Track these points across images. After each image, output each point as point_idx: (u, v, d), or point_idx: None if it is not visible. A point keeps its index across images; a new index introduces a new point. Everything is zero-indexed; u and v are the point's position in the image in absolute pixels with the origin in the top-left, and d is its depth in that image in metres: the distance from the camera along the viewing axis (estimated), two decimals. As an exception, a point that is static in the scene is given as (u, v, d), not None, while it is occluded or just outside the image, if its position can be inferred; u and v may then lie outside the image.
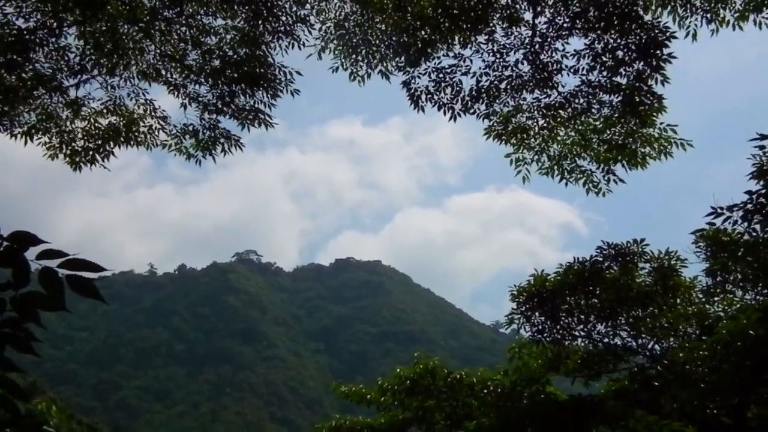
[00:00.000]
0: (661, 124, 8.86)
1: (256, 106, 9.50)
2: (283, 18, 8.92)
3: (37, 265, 1.99)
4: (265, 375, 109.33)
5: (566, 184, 9.70)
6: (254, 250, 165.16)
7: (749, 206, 7.93)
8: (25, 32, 8.53)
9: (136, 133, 10.01)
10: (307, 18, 9.05)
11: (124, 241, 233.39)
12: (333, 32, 9.10)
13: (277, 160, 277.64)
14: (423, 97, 9.05)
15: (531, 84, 9.02)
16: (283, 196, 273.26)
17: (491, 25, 8.69)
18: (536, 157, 9.72)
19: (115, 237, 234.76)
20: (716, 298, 11.62)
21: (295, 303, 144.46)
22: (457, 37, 8.74)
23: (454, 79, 8.92)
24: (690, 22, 8.26)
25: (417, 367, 13.76)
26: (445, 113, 9.13)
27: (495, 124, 9.50)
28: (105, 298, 2.10)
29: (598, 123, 9.21)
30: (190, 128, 9.88)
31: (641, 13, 8.13)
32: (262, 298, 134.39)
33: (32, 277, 2.02)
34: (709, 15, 8.14)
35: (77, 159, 9.86)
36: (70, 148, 9.84)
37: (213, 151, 9.98)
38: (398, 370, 14.04)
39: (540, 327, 12.12)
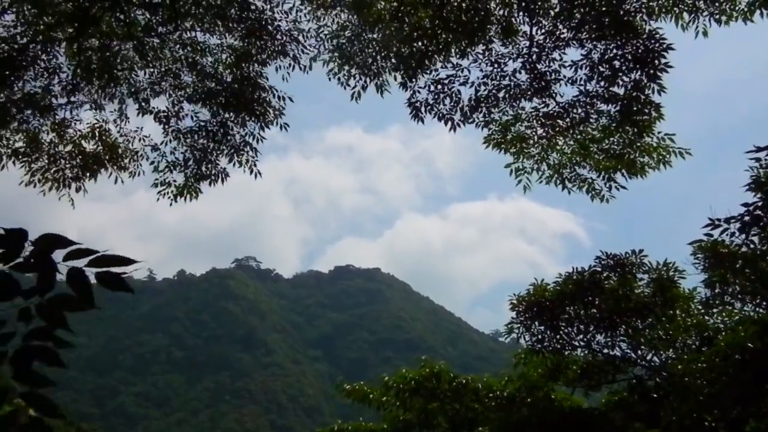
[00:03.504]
0: (659, 133, 8.91)
1: (246, 139, 9.44)
2: (278, 36, 8.93)
3: (60, 267, 1.93)
4: (264, 382, 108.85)
5: (569, 192, 9.72)
6: (253, 257, 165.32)
7: (746, 218, 7.96)
8: (16, 49, 8.46)
9: (120, 160, 9.90)
10: (303, 32, 9.05)
11: (121, 246, 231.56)
12: (329, 45, 9.13)
13: (278, 165, 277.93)
14: (423, 108, 9.10)
15: (529, 92, 9.07)
16: (282, 202, 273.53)
17: (488, 36, 8.75)
18: (536, 165, 9.75)
19: (113, 242, 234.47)
20: (715, 310, 11.61)
21: (294, 310, 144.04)
22: (454, 48, 8.78)
23: (452, 90, 8.97)
24: (697, 24, 8.32)
25: (423, 369, 13.74)
26: (445, 123, 9.18)
27: (494, 132, 9.54)
28: (102, 304, 2.04)
29: (596, 133, 9.24)
30: (180, 159, 9.75)
31: (643, 20, 8.17)
32: (261, 305, 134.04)
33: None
34: (716, 15, 8.19)
35: (57, 185, 9.74)
36: (50, 174, 9.69)
37: (198, 190, 9.80)
38: (403, 370, 13.99)
39: (539, 336, 12.10)
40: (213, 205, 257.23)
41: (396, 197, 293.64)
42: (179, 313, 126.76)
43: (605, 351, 12.33)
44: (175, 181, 9.82)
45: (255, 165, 9.60)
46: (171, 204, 9.62)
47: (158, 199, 9.67)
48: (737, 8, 8.20)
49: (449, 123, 9.07)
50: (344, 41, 9.04)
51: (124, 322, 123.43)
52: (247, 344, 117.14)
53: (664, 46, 8.05)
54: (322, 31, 9.16)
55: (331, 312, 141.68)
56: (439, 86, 8.87)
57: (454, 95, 8.97)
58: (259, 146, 9.56)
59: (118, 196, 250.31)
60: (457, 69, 8.88)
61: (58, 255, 1.92)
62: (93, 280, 2.05)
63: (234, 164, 9.58)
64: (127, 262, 1.95)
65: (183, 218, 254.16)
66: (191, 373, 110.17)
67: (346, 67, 9.06)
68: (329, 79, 9.05)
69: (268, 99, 9.24)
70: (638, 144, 9.03)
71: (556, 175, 9.72)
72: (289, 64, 9.16)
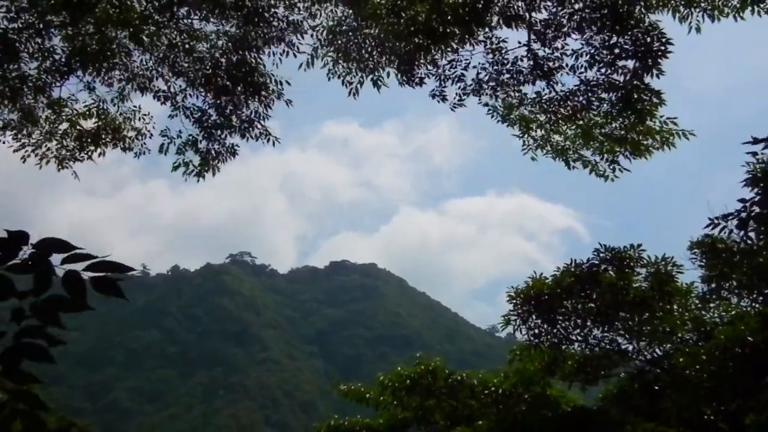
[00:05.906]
0: (661, 117, 8.93)
1: (252, 116, 9.51)
2: (275, 23, 8.92)
3: (59, 269, 1.94)
4: (259, 378, 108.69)
5: (570, 168, 9.85)
6: (248, 252, 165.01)
7: (743, 214, 7.91)
8: (11, 33, 8.42)
9: (120, 137, 9.96)
10: (300, 24, 9.04)
11: (115, 240, 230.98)
12: (325, 38, 9.12)
13: (274, 160, 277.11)
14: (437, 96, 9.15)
15: (531, 77, 9.09)
16: (278, 197, 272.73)
17: (489, 24, 8.69)
18: (541, 145, 9.88)
19: (106, 236, 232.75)
20: (712, 305, 11.59)
21: (289, 305, 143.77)
22: (452, 42, 8.73)
23: (455, 74, 9.02)
24: (692, 18, 8.33)
25: (418, 367, 13.69)
26: (453, 108, 9.24)
27: (499, 108, 9.61)
28: (94, 299, 2.05)
29: (599, 118, 9.29)
30: (190, 138, 9.89)
31: (641, 13, 8.15)
32: (256, 300, 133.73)
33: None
34: (709, 10, 8.20)
35: (56, 160, 9.80)
36: (46, 147, 9.78)
37: (216, 167, 10.02)
38: (399, 368, 13.94)
39: (537, 330, 12.05)
40: (208, 199, 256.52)
41: (393, 192, 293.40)
42: (173, 309, 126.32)
43: (602, 345, 12.29)
44: (191, 161, 10.01)
45: (269, 134, 9.70)
46: (198, 181, 9.96)
47: (186, 179, 10.03)
48: (730, 4, 8.19)
49: (455, 98, 9.10)
50: (341, 37, 9.02)
51: (117, 317, 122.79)
52: (241, 340, 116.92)
53: (664, 39, 8.06)
54: (318, 28, 9.17)
55: (326, 308, 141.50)
56: (440, 70, 8.89)
57: (456, 78, 9.01)
58: (251, 140, 9.72)
59: (111, 190, 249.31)
60: (455, 60, 8.86)
61: (57, 258, 1.95)
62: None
63: (247, 139, 9.76)
64: (124, 268, 2.00)
65: (177, 213, 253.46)
66: (184, 368, 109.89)
67: (342, 63, 9.05)
68: (329, 79, 9.15)
69: (266, 83, 9.27)
70: (641, 128, 9.05)
71: (561, 153, 9.88)
72: (283, 51, 9.19)
